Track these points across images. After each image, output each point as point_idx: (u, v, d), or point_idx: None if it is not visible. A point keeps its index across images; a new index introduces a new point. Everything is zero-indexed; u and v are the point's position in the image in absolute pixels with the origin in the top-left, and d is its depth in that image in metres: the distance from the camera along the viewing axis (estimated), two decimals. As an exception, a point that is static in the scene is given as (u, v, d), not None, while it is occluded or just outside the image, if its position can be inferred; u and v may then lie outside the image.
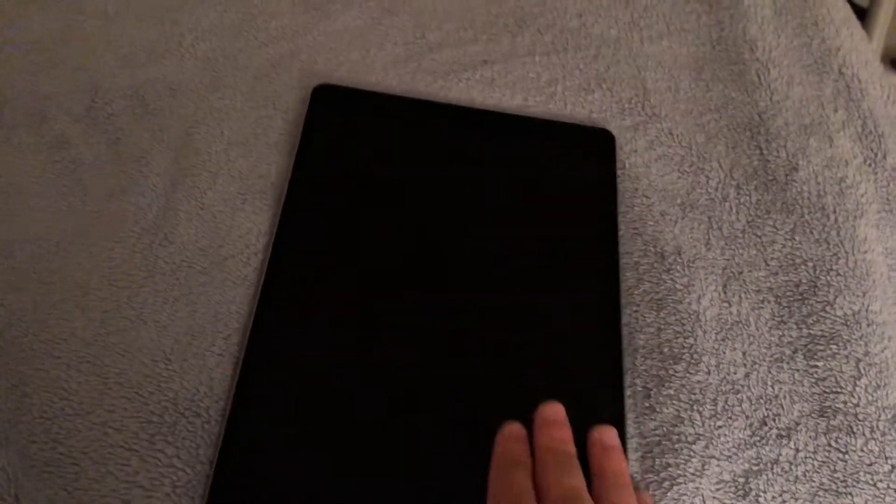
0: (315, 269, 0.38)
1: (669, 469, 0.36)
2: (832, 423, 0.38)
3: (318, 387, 0.35)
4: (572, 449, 0.33)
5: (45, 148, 0.41)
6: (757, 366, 0.39)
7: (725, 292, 0.41)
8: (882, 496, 0.36)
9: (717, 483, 0.36)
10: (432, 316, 0.38)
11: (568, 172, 0.43)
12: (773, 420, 0.38)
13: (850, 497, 0.36)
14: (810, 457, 0.37)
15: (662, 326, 0.39)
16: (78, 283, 0.37)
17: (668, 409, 0.37)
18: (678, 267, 0.41)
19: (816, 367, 0.39)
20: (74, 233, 0.39)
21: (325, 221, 0.40)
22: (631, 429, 0.37)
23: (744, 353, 0.39)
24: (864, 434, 0.37)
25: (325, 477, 0.33)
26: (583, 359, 0.38)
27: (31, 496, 0.31)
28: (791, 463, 0.37)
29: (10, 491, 0.30)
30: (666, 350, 0.39)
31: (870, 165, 0.46)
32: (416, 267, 0.39)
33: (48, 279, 0.37)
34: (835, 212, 0.44)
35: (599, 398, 0.37)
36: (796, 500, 0.36)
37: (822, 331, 0.40)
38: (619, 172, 0.44)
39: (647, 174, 0.44)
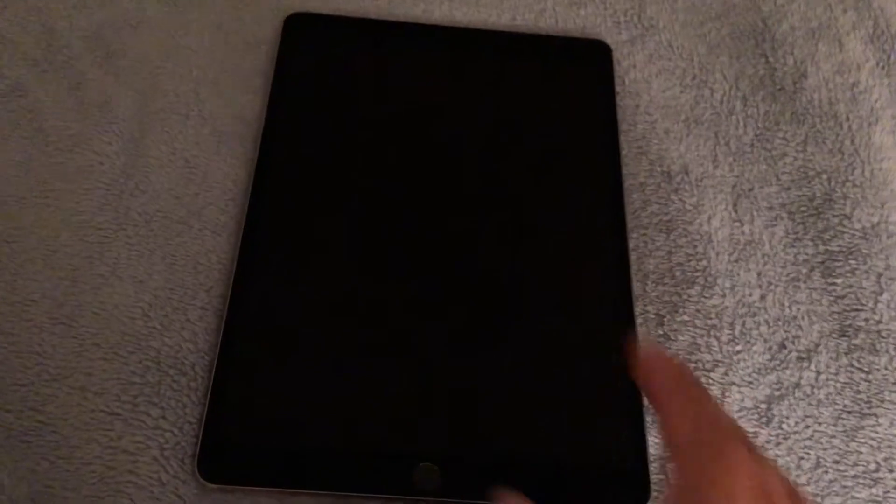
0: (299, 212, 0.36)
1: (686, 399, 0.34)
2: (854, 342, 0.36)
3: (308, 335, 0.33)
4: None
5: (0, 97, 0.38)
6: (773, 286, 0.37)
7: (736, 211, 0.39)
8: (909, 414, 0.34)
9: (739, 410, 0.34)
10: (428, 251, 0.36)
11: (564, 89, 0.41)
12: (793, 342, 0.36)
13: (874, 418, 0.34)
14: (832, 379, 0.35)
15: (673, 249, 0.37)
16: (45, 239, 0.35)
17: (683, 336, 0.35)
18: (686, 186, 0.39)
19: (835, 284, 0.37)
20: (38, 186, 0.36)
21: (307, 160, 0.37)
22: (644, 360, 0.35)
23: (759, 274, 0.37)
24: (887, 352, 0.36)
25: (319, 428, 0.31)
26: (590, 286, 0.35)
27: (11, 468, 0.29)
28: (813, 386, 0.35)
29: (-15, 465, 0.28)
30: (678, 274, 0.37)
31: (883, 68, 0.43)
32: (408, 200, 0.37)
33: (13, 237, 0.34)
34: (848, 119, 0.41)
35: (610, 326, 0.35)
36: (819, 424, 0.34)
37: (839, 246, 0.38)
38: (618, 89, 0.41)
39: (647, 90, 0.42)
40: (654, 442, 0.33)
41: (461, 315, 0.34)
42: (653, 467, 0.32)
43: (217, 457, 0.30)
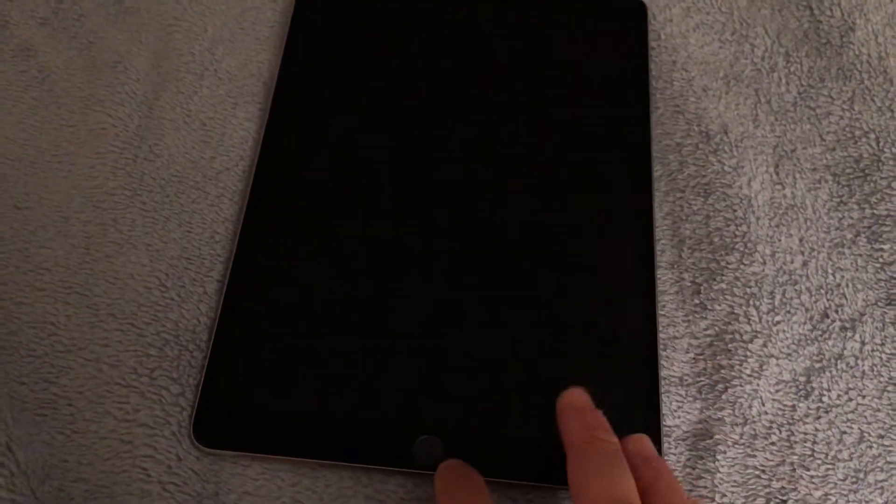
0: (309, 177, 0.34)
1: (723, 371, 0.32)
2: (901, 310, 0.34)
3: (312, 303, 0.32)
4: (615, 441, 0.27)
5: (8, 57, 0.37)
6: (815, 253, 0.35)
7: (778, 173, 0.37)
8: (958, 387, 0.33)
9: (777, 384, 0.32)
10: (444, 218, 0.34)
11: (593, 48, 0.39)
12: (836, 311, 0.34)
13: (921, 390, 0.33)
14: (877, 349, 0.33)
15: (711, 214, 0.35)
16: (57, 205, 0.34)
17: (720, 305, 0.34)
18: (725, 147, 0.37)
19: (882, 250, 0.35)
20: (49, 150, 0.35)
21: (322, 122, 0.36)
22: (681, 328, 0.33)
23: (800, 240, 0.35)
24: (936, 321, 0.34)
25: (324, 399, 0.30)
26: (608, 256, 0.34)
27: (25, 442, 0.28)
28: (856, 357, 0.33)
29: (0, 439, 0.27)
30: (716, 240, 0.35)
31: (936, 20, 0.40)
32: (427, 166, 0.35)
33: (24, 203, 0.33)
34: (898, 75, 0.39)
35: (627, 297, 0.33)
36: (863, 396, 0.32)
37: (887, 210, 0.36)
38: (654, 44, 0.39)
39: (685, 45, 0.39)
40: (668, 419, 0.31)
41: (468, 284, 0.33)
42: (666, 446, 0.31)
43: (215, 426, 0.29)
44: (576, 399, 0.28)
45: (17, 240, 0.33)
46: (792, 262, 0.35)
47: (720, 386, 0.32)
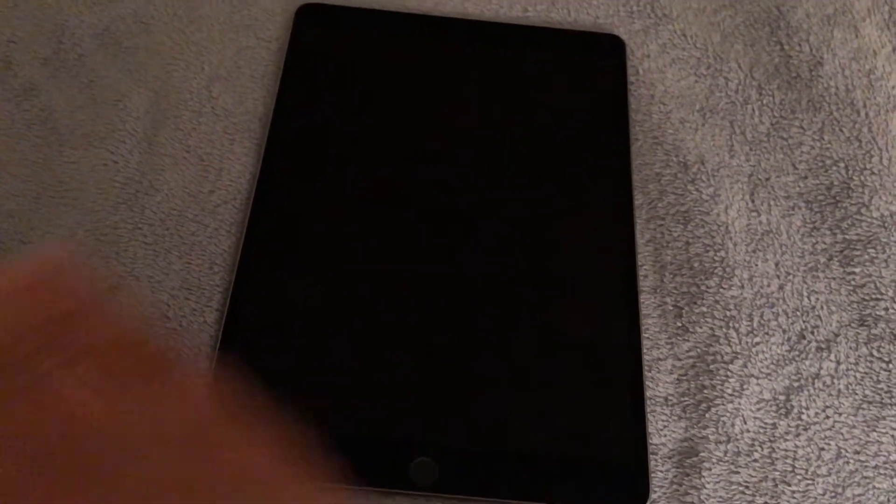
0: (307, 211, 0.36)
1: (706, 391, 0.34)
2: (873, 331, 0.35)
3: (308, 326, 0.33)
4: None
5: (12, 96, 0.38)
6: (791, 276, 0.37)
7: (753, 201, 0.38)
8: (929, 403, 0.34)
9: (758, 402, 0.34)
10: (437, 247, 0.35)
11: (576, 83, 0.40)
12: (812, 333, 0.35)
13: (895, 408, 0.34)
14: (852, 369, 0.35)
15: (690, 240, 0.37)
16: (61, 240, 0.35)
17: (702, 327, 0.35)
18: (702, 177, 0.39)
19: (854, 273, 0.37)
20: (53, 186, 0.36)
21: (316, 156, 0.37)
22: (664, 350, 0.34)
23: (776, 264, 0.37)
24: (907, 340, 0.35)
25: (317, 420, 0.31)
26: (594, 280, 0.35)
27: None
28: (832, 376, 0.35)
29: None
30: (696, 265, 0.36)
31: (899, 54, 0.43)
32: (419, 197, 0.37)
33: (28, 238, 0.34)
34: (865, 107, 0.41)
35: (614, 320, 0.35)
36: (840, 414, 0.34)
37: (858, 235, 0.38)
38: (632, 79, 0.41)
39: (662, 80, 0.41)
40: (655, 438, 0.33)
41: (463, 308, 0.34)
42: (653, 464, 0.32)
43: None
44: None
45: (22, 273, 0.34)
46: (769, 285, 0.36)
47: (703, 405, 0.33)
